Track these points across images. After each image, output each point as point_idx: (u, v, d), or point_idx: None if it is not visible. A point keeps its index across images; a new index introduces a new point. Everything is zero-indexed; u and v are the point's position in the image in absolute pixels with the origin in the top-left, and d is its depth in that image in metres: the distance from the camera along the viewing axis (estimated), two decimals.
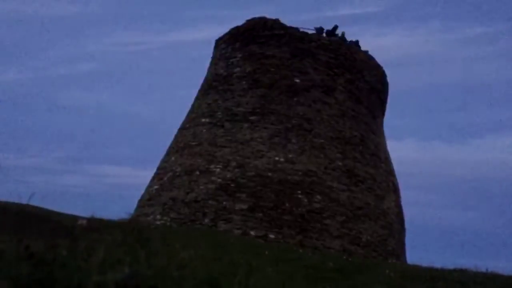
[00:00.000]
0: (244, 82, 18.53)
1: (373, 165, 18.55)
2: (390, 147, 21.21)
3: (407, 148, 77.70)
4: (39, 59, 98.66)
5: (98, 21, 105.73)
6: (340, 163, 17.37)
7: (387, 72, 21.29)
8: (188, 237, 10.87)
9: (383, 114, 21.67)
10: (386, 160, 19.93)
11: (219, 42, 20.83)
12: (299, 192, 16.21)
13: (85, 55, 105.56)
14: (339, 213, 16.43)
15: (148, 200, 18.19)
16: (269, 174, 16.36)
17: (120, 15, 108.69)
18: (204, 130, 18.13)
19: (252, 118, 17.59)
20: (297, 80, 18.26)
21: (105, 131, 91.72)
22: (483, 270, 12.00)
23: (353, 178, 17.42)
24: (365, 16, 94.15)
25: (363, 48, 20.51)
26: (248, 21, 19.92)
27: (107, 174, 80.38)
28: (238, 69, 19.01)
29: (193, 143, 18.09)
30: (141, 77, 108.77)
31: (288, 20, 20.17)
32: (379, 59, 20.73)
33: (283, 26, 19.38)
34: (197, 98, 20.33)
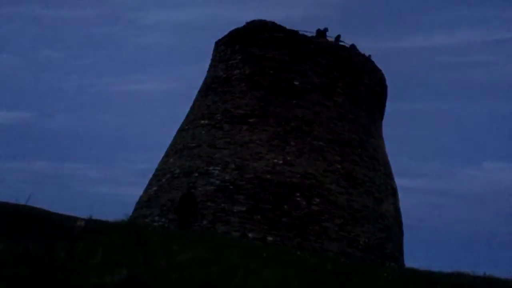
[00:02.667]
0: (243, 84, 18.55)
1: (372, 168, 18.57)
2: None
3: None
4: None
5: None
6: (338, 166, 17.39)
7: None
8: (186, 239, 10.85)
9: (382, 117, 21.70)
10: (384, 163, 19.95)
11: (218, 44, 20.85)
12: (298, 194, 16.21)
13: None
14: (337, 216, 16.44)
15: (146, 201, 18.17)
16: (268, 176, 16.37)
17: None
18: (203, 132, 18.13)
19: (251, 120, 17.60)
20: (296, 83, 18.28)
21: None
22: (480, 274, 12.02)
23: (351, 181, 17.43)
24: None
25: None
26: (247, 23, 19.95)
27: None
28: (237, 71, 19.03)
29: (192, 145, 18.09)
30: None
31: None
32: None
33: (282, 29, 19.41)
34: (196, 100, 20.33)
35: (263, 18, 19.84)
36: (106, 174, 76.43)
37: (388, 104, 22.17)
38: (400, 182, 21.08)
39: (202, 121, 18.57)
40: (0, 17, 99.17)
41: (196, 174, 17.01)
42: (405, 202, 21.11)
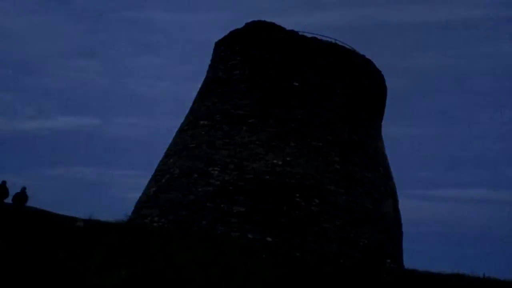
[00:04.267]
0: (243, 85, 18.55)
1: (371, 169, 18.57)
2: None
3: None
4: None
5: None
6: (338, 167, 17.39)
7: None
8: (185, 239, 10.86)
9: (381, 118, 21.70)
10: (384, 164, 19.96)
11: (218, 44, 20.86)
12: (297, 195, 16.21)
13: None
14: (337, 217, 16.44)
15: (146, 202, 18.16)
16: (267, 177, 16.36)
17: None
18: (203, 133, 18.13)
19: (250, 121, 17.60)
20: (296, 84, 18.29)
21: None
22: (480, 274, 12.04)
23: (351, 181, 17.43)
24: None
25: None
26: (247, 24, 19.96)
27: None
28: (237, 71, 19.03)
29: (192, 145, 18.08)
30: None
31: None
32: None
33: (282, 30, 19.42)
34: (196, 101, 20.34)
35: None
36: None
37: None
38: None
39: (202, 122, 18.56)
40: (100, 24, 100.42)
41: (196, 175, 17.01)
42: None
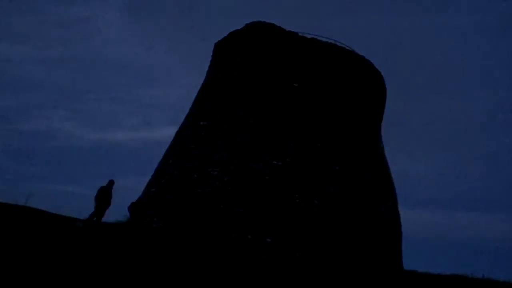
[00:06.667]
0: (242, 86, 18.55)
1: (371, 170, 18.57)
2: None
3: None
4: None
5: None
6: (337, 168, 17.38)
7: None
8: (185, 240, 10.84)
9: (381, 119, 21.72)
10: (383, 164, 19.96)
11: (218, 45, 20.87)
12: (297, 196, 16.21)
13: None
14: (336, 218, 16.43)
15: (145, 202, 18.13)
16: (267, 177, 16.35)
17: None
18: (203, 133, 18.12)
19: (250, 121, 17.59)
20: (295, 84, 18.30)
21: None
22: (479, 276, 12.03)
23: (350, 182, 17.43)
24: None
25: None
26: (247, 25, 19.98)
27: None
28: (236, 72, 19.04)
29: (191, 146, 18.07)
30: None
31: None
32: None
33: (281, 30, 19.43)
34: (195, 101, 20.34)
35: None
36: None
37: None
38: None
39: (201, 123, 18.56)
40: None
41: (195, 175, 16.99)
42: None
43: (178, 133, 19.78)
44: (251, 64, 18.89)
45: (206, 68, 21.50)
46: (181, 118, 20.70)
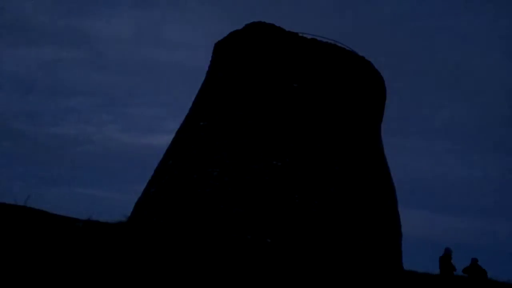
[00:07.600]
0: (242, 86, 18.56)
1: (371, 170, 18.58)
2: None
3: None
4: None
5: None
6: (337, 168, 17.39)
7: None
8: (185, 240, 10.85)
9: (381, 120, 21.73)
10: (383, 165, 19.97)
11: (218, 45, 20.88)
12: (297, 196, 16.21)
13: None
14: (336, 218, 16.43)
15: (145, 202, 18.14)
16: (267, 178, 16.35)
17: None
18: (202, 133, 18.12)
19: (250, 121, 17.59)
20: (295, 85, 18.30)
21: None
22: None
23: (350, 183, 17.43)
24: None
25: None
26: (247, 25, 19.98)
27: None
28: (236, 72, 19.05)
29: (191, 146, 18.07)
30: None
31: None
32: None
33: (282, 31, 19.44)
34: (195, 101, 20.34)
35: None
36: None
37: None
38: None
39: (201, 123, 18.56)
40: None
41: (195, 175, 16.99)
42: None
43: (178, 133, 19.79)
44: (251, 64, 18.89)
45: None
46: None
